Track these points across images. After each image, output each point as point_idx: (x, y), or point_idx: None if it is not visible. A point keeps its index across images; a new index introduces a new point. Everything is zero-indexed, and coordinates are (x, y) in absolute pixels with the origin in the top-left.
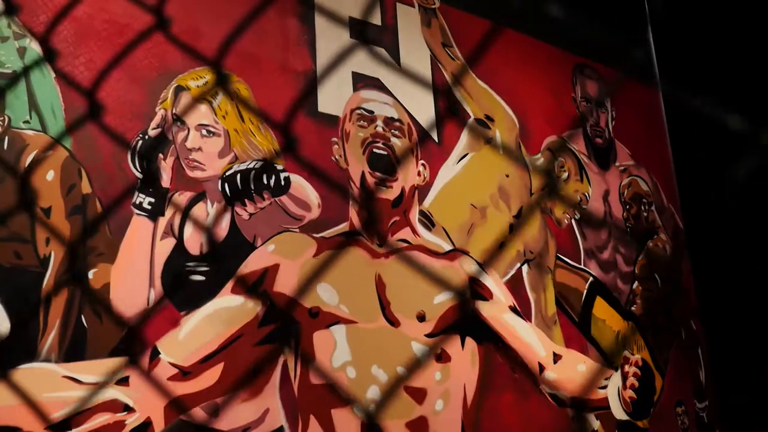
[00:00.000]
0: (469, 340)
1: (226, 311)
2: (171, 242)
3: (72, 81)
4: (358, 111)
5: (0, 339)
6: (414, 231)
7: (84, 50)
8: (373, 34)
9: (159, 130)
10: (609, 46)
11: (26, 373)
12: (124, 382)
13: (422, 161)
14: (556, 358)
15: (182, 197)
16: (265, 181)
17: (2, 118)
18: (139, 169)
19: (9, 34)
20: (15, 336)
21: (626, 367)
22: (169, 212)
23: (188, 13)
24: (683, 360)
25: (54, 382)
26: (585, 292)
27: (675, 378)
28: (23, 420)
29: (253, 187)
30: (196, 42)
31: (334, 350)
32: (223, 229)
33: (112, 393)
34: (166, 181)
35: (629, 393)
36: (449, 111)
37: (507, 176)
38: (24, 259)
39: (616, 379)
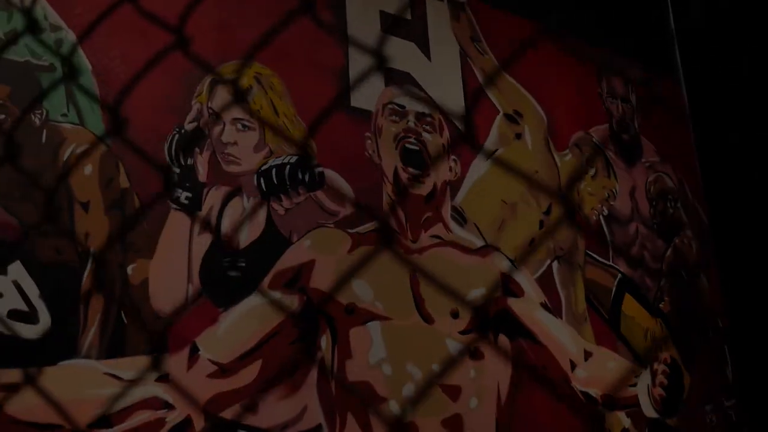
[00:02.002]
0: (502, 337)
1: (263, 308)
2: (208, 237)
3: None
4: (390, 106)
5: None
6: (446, 227)
7: (119, 43)
8: (403, 29)
9: (195, 124)
10: (632, 39)
11: (67, 370)
12: (163, 379)
13: (453, 156)
14: (587, 355)
15: (218, 192)
16: (300, 176)
17: (40, 112)
18: (176, 164)
19: (45, 26)
20: (55, 332)
21: (656, 365)
22: (205, 207)
23: (219, 7)
24: (710, 358)
25: (94, 378)
26: (614, 288)
27: (703, 376)
28: (65, 417)
29: (288, 182)
30: (226, 37)
31: (370, 347)
32: (259, 225)
33: (152, 390)
34: (202, 175)
35: (659, 391)
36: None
37: (536, 172)
38: (64, 255)
39: (645, 376)
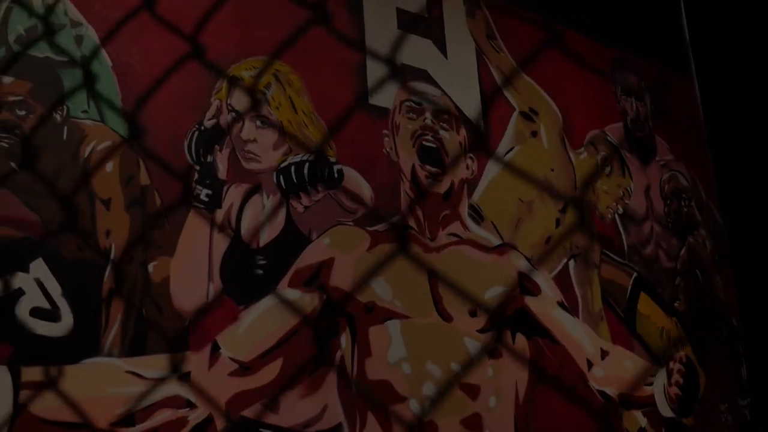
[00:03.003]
0: (519, 336)
1: (284, 306)
2: (229, 235)
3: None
4: (407, 103)
5: None
6: (464, 225)
7: (139, 39)
8: (419, 26)
9: (214, 121)
10: (645, 37)
11: (90, 368)
12: (185, 377)
13: (470, 154)
14: (604, 354)
15: (238, 189)
16: (319, 174)
17: (61, 108)
18: (196, 161)
19: (66, 22)
20: (78, 330)
21: (671, 364)
22: (225, 204)
23: (238, 4)
24: (725, 357)
25: (117, 377)
26: (629, 287)
27: (718, 375)
28: (88, 416)
29: (307, 180)
30: (246, 32)
31: (389, 346)
32: (279, 223)
33: (175, 388)
34: (222, 172)
35: (674, 390)
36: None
37: (552, 170)
38: (85, 252)
39: (661, 376)
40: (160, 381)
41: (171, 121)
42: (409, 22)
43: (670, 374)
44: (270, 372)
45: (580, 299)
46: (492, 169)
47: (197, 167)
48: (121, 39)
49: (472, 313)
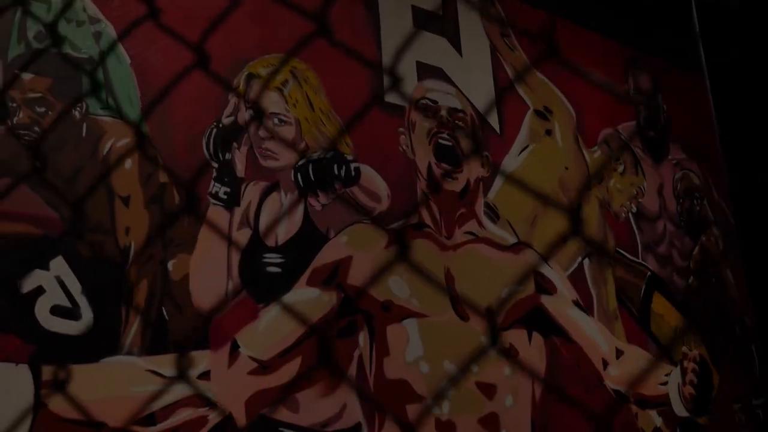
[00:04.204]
0: (535, 335)
1: (302, 304)
2: (247, 233)
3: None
4: (423, 101)
5: None
6: (480, 223)
7: (159, 36)
8: (434, 24)
9: (232, 118)
10: (657, 36)
11: (110, 367)
12: (205, 376)
13: (485, 152)
14: (619, 353)
15: (257, 187)
16: (336, 172)
17: (80, 105)
18: (214, 158)
19: (85, 19)
20: (98, 329)
21: (685, 363)
22: (244, 202)
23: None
24: (738, 356)
25: (138, 375)
26: (643, 286)
27: (731, 374)
28: (108, 415)
29: (325, 178)
30: (265, 28)
31: (407, 344)
32: (296, 221)
33: (195, 387)
34: (240, 170)
35: (689, 389)
36: None
37: (566, 169)
38: (104, 250)
39: (675, 375)
40: (180, 380)
41: (189, 118)
42: (424, 20)
43: (684, 373)
44: (289, 371)
45: (594, 298)
46: (507, 167)
47: (216, 165)
48: (139, 36)
49: (489, 312)
